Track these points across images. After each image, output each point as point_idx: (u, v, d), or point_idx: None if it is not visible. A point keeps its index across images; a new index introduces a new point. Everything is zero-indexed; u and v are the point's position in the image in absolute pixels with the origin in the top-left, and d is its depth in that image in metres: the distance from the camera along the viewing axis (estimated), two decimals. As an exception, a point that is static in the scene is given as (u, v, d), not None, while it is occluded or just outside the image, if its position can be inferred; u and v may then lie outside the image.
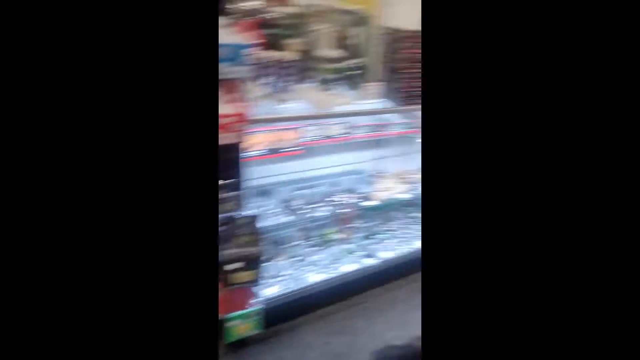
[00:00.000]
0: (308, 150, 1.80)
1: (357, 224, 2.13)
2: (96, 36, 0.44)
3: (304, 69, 1.75)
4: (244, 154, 1.41)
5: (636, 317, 0.43)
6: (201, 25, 0.49)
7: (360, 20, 1.93)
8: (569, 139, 0.44)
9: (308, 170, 2.03)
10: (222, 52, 1.18)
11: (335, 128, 1.85)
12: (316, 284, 1.88)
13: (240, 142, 1.32)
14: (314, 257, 2.03)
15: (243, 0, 1.60)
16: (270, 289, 1.80)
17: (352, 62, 1.90)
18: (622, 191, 0.43)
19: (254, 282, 1.52)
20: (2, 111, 0.43)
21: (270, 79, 1.65)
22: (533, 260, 0.46)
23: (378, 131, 1.99)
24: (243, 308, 1.61)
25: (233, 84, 1.34)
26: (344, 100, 1.79)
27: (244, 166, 1.43)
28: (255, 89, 1.54)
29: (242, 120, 1.26)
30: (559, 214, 0.45)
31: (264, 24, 1.64)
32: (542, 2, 0.45)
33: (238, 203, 1.45)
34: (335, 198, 2.10)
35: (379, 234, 2.24)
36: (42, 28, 0.43)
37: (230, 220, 1.50)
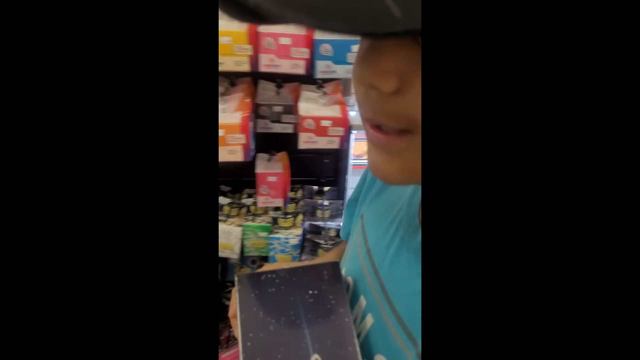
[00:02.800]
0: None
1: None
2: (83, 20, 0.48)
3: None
4: (352, 161, 1.27)
5: (636, 317, 0.35)
6: (200, 19, 0.51)
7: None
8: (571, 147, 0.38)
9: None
10: (325, 49, 1.03)
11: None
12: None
13: (343, 148, 1.16)
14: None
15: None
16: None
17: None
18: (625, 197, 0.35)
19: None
20: (1, 111, 0.43)
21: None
22: (536, 262, 0.42)
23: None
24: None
25: (337, 85, 1.19)
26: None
27: (349, 174, 1.29)
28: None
29: (344, 125, 1.11)
30: (569, 217, 0.39)
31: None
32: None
33: (331, 213, 1.32)
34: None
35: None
36: (38, 26, 0.44)
37: (317, 229, 1.33)
